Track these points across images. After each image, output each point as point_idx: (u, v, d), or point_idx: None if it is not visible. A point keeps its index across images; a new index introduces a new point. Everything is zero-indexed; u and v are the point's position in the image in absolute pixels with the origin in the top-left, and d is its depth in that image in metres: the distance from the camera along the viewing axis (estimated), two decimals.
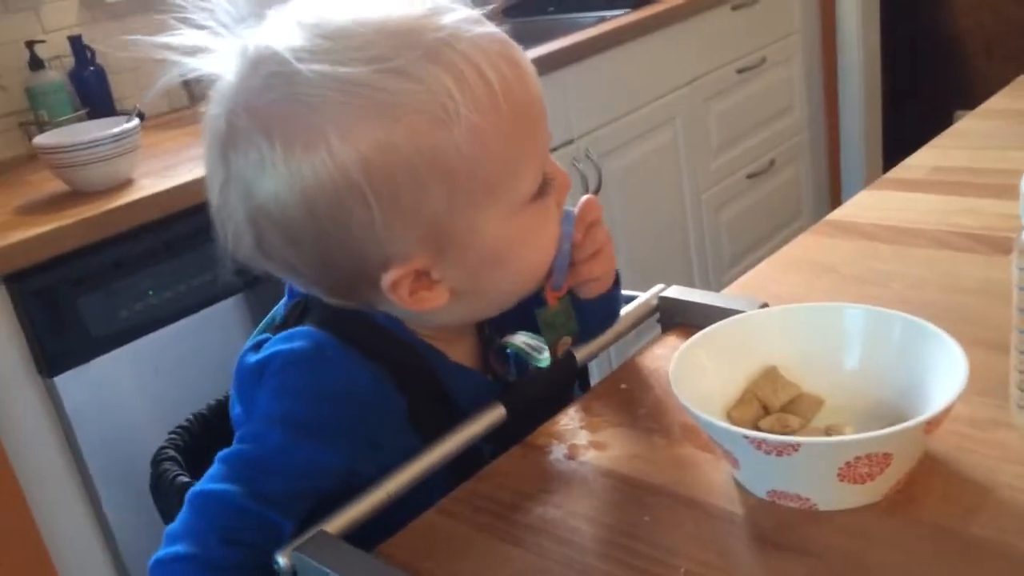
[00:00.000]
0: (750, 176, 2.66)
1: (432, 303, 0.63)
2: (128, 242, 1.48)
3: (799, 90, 2.84)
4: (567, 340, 0.70)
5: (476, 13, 0.61)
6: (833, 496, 0.55)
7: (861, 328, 0.64)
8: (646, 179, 2.33)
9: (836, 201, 3.03)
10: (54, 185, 1.57)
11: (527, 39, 2.38)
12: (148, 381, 1.54)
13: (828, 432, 0.60)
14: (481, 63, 0.57)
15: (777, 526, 0.55)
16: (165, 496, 0.68)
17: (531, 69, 0.62)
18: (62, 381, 1.44)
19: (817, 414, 0.63)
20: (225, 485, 0.60)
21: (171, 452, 0.72)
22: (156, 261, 1.52)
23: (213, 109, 0.59)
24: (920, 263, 0.85)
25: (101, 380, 1.48)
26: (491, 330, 0.75)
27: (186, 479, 0.68)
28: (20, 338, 1.41)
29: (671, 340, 0.79)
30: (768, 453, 0.53)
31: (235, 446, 0.62)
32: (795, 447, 0.52)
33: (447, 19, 0.58)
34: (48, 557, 1.44)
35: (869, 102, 3.02)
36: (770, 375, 0.64)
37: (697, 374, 0.61)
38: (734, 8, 2.49)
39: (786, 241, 0.98)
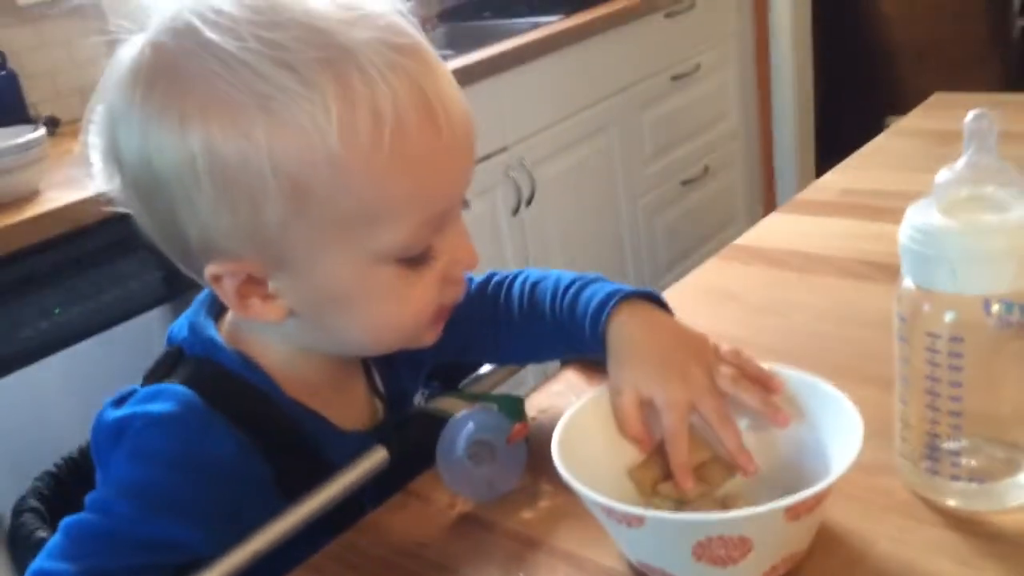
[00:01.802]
0: (684, 182, 2.66)
1: (264, 316, 0.59)
2: (32, 258, 1.41)
3: (733, 97, 2.85)
4: (520, 427, 0.64)
5: (418, 42, 0.56)
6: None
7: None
8: (581, 186, 2.32)
9: (770, 206, 3.05)
10: None
11: (462, 44, 2.36)
12: (55, 403, 1.48)
13: (723, 504, 0.57)
14: (380, 94, 0.52)
15: None
16: (22, 552, 0.63)
17: (451, 123, 0.55)
18: None
19: (730, 480, 0.59)
20: (62, 564, 0.55)
21: (33, 503, 0.67)
22: (63, 277, 1.45)
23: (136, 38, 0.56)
24: (823, 293, 0.84)
25: (3, 403, 1.41)
26: (387, 382, 0.72)
27: (45, 534, 0.63)
28: None
29: (569, 376, 0.76)
30: (619, 523, 0.50)
31: (81, 515, 0.58)
32: (640, 519, 0.49)
33: (373, 33, 0.53)
34: None
35: (802, 108, 3.05)
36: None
37: (597, 428, 0.59)
38: (668, 15, 2.48)
39: (721, 245, 0.97)
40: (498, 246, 2.10)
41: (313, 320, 0.61)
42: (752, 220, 2.99)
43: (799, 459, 0.57)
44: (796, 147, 3.07)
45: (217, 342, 0.64)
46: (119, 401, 0.62)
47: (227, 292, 0.59)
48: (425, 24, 2.56)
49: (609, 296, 0.67)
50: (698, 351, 0.62)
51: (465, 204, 0.62)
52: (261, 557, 0.58)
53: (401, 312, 0.60)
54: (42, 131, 1.50)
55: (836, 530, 0.55)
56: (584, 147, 2.31)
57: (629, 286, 0.68)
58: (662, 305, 0.68)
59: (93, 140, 0.58)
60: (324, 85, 0.52)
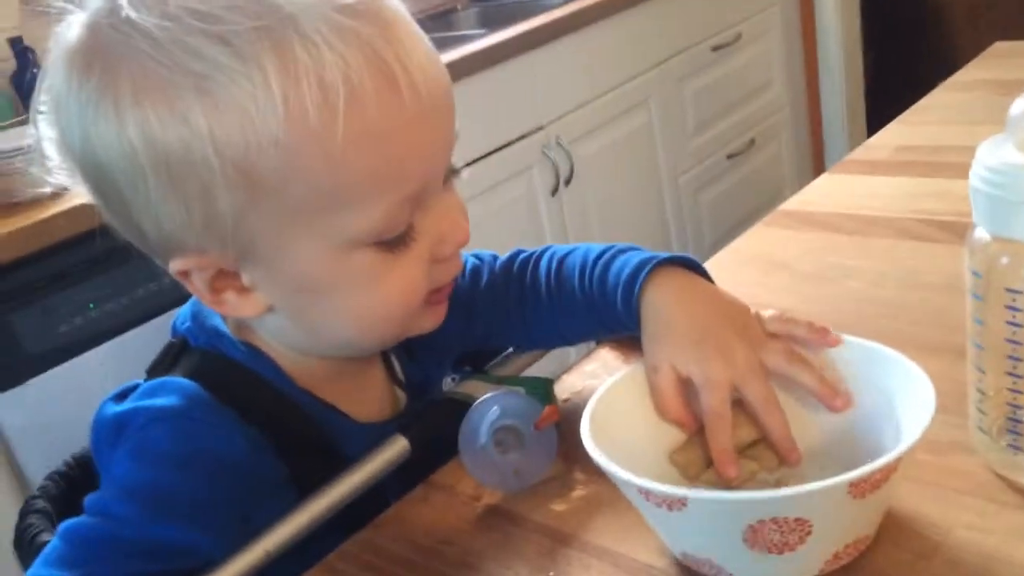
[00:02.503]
0: (730, 156, 2.57)
1: (241, 311, 0.55)
2: (64, 254, 1.40)
3: (777, 66, 2.75)
4: (550, 411, 0.58)
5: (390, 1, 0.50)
6: (749, 566, 0.45)
7: (818, 355, 0.54)
8: (621, 164, 2.25)
9: None
10: None
11: (494, 22, 2.31)
12: (93, 398, 1.46)
13: (777, 485, 0.51)
14: (328, 64, 0.46)
15: None
16: (27, 555, 0.60)
17: (417, 89, 0.49)
18: None
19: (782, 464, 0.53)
20: (60, 573, 0.51)
21: (40, 503, 0.64)
22: (97, 272, 1.44)
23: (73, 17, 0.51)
24: (881, 256, 0.77)
25: (41, 399, 1.40)
26: (409, 372, 0.67)
27: (48, 536, 0.60)
28: None
29: (603, 354, 0.71)
30: (659, 506, 0.44)
31: (80, 518, 0.54)
32: (682, 501, 0.43)
33: None
34: None
35: (850, 76, 2.93)
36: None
37: (632, 409, 0.53)
38: None
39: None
40: (536, 227, 2.05)
41: (294, 315, 0.56)
42: None
43: (861, 434, 0.51)
44: (846, 116, 2.95)
45: (222, 332, 0.59)
46: (120, 396, 0.58)
47: (198, 288, 0.54)
48: (456, 5, 2.51)
49: (642, 264, 0.61)
50: (742, 324, 0.56)
51: (453, 173, 0.56)
52: (275, 558, 0.54)
53: (385, 300, 0.54)
54: None
55: (906, 517, 0.49)
56: (623, 123, 2.25)
57: (664, 253, 0.62)
58: (701, 272, 0.62)
59: (45, 131, 0.53)
60: (263, 58, 0.46)
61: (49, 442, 1.40)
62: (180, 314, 0.63)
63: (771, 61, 2.73)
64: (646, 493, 0.44)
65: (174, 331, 0.62)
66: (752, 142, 2.65)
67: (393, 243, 0.52)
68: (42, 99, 0.52)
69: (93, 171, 0.51)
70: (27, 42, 1.85)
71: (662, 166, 2.38)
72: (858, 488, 0.42)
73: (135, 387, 0.58)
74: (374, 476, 0.58)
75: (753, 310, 0.57)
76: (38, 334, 1.39)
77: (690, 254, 0.63)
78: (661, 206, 2.40)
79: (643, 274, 0.60)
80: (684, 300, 0.58)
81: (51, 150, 0.53)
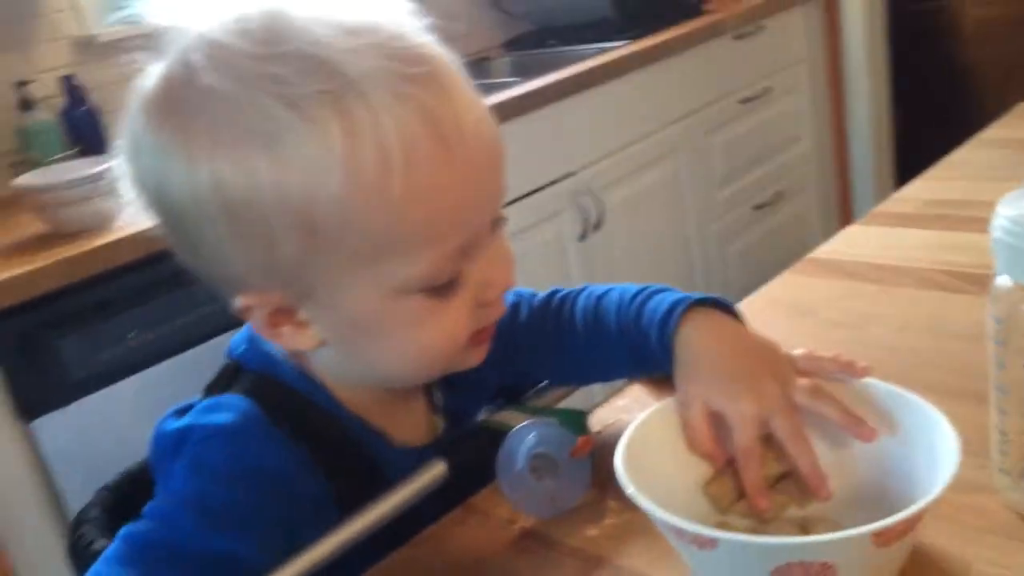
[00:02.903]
0: (757, 208, 2.60)
1: (297, 344, 0.58)
2: (110, 282, 1.45)
3: (806, 120, 2.79)
4: (584, 441, 0.61)
5: (430, 65, 0.53)
6: None
7: (849, 399, 0.56)
8: (649, 212, 2.29)
9: None
10: (38, 226, 1.55)
11: (528, 72, 2.36)
12: (130, 424, 1.50)
13: (803, 525, 0.53)
14: (386, 127, 0.50)
15: None
16: (81, 563, 0.63)
17: (468, 148, 0.52)
18: (40, 425, 1.40)
19: (811, 499, 0.55)
20: (119, 571, 0.54)
21: (94, 513, 0.67)
22: (139, 302, 1.48)
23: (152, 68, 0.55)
24: (905, 304, 0.79)
25: (81, 423, 1.44)
26: (448, 401, 0.70)
27: (102, 544, 0.63)
28: None
29: (635, 391, 0.73)
30: (690, 544, 0.47)
31: (140, 523, 0.57)
32: (713, 542, 0.45)
33: (379, 61, 0.50)
34: None
35: (878, 131, 2.96)
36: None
37: (664, 442, 0.55)
38: (736, 37, 2.45)
39: None
40: (564, 272, 2.08)
41: (345, 350, 0.60)
42: None
43: (886, 478, 0.53)
44: (873, 171, 2.98)
45: (275, 357, 0.63)
46: (180, 412, 0.61)
47: (258, 322, 0.58)
48: (489, 54, 2.58)
49: (676, 303, 0.64)
50: (772, 362, 0.59)
51: (500, 220, 0.59)
52: (318, 570, 0.56)
53: (431, 342, 0.58)
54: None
55: (927, 553, 0.51)
56: (652, 172, 2.28)
57: (698, 293, 0.65)
58: (733, 313, 0.65)
59: (123, 169, 0.58)
60: (328, 122, 0.50)
61: (86, 464, 1.43)
62: (236, 338, 0.66)
63: (799, 115, 2.76)
64: (678, 531, 0.46)
65: (230, 354, 0.66)
66: (779, 194, 2.67)
67: (441, 289, 0.56)
68: (120, 141, 0.57)
69: (165, 211, 0.56)
70: (77, 80, 1.92)
71: (690, 215, 2.41)
72: (883, 537, 0.44)
73: (191, 405, 0.61)
74: (413, 498, 0.61)
75: (784, 349, 0.60)
76: (81, 360, 1.43)
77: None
78: (688, 255, 2.42)
79: (677, 312, 0.62)
80: (716, 338, 0.61)
81: (126, 187, 0.58)
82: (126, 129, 0.56)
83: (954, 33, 3.21)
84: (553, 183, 2.03)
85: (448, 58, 0.55)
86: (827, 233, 3.09)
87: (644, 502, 0.48)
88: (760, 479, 0.54)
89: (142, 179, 0.56)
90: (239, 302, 0.57)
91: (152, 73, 0.55)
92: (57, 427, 1.41)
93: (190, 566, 0.55)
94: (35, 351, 1.39)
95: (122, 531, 0.56)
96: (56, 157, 1.82)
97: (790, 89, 2.70)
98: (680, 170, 2.36)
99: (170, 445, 0.59)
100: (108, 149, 1.85)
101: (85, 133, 1.93)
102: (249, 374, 0.63)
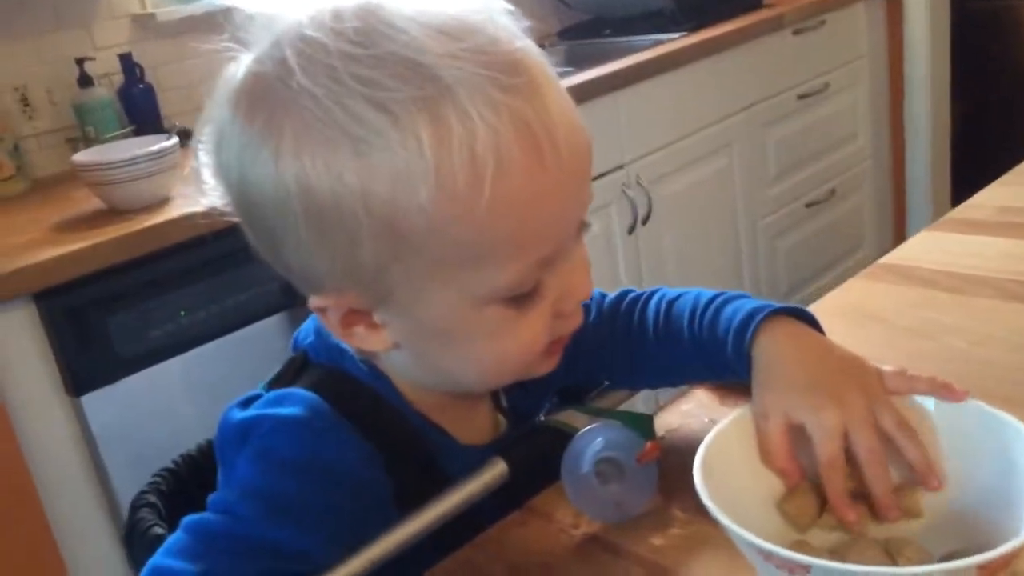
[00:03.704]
0: (809, 205, 2.55)
1: (370, 345, 0.57)
2: (161, 261, 1.46)
3: (863, 118, 2.73)
4: (652, 446, 0.59)
5: (527, 73, 0.50)
6: None
7: (937, 418, 0.54)
8: (699, 206, 2.25)
9: (900, 234, 2.90)
10: (94, 203, 1.56)
11: (582, 62, 2.35)
12: (177, 403, 1.51)
13: (887, 547, 0.51)
14: (480, 137, 0.48)
15: None
16: (138, 547, 0.63)
17: (560, 159, 0.50)
18: (89, 400, 1.42)
19: (907, 518, 0.53)
20: (182, 563, 0.53)
21: (151, 498, 0.67)
22: (189, 281, 1.49)
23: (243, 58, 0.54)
24: (983, 316, 0.76)
25: (128, 401, 1.45)
26: (512, 401, 0.69)
27: (162, 530, 0.63)
28: (48, 356, 1.39)
29: (700, 395, 0.72)
30: (780, 569, 0.45)
31: (204, 514, 0.56)
32: (806, 569, 0.43)
33: (476, 68, 0.48)
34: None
35: (937, 133, 2.89)
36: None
37: (738, 454, 0.54)
38: (795, 32, 2.40)
39: (847, 274, 0.90)
40: (612, 265, 2.06)
41: (418, 355, 0.58)
42: (880, 247, 2.86)
43: (976, 503, 0.51)
44: (930, 173, 2.91)
45: (345, 349, 0.62)
46: (245, 403, 0.61)
47: (331, 322, 0.57)
48: (544, 42, 2.56)
49: (755, 312, 0.61)
50: (858, 375, 0.56)
51: (584, 227, 0.57)
52: (378, 567, 0.55)
53: (507, 350, 0.56)
54: (175, 140, 1.54)
55: None
56: (704, 166, 2.25)
57: (777, 302, 0.63)
58: (814, 324, 0.63)
59: (204, 158, 0.57)
60: (420, 128, 0.48)
61: (131, 441, 1.45)
62: (303, 329, 0.66)
63: (857, 112, 2.71)
64: (766, 555, 0.45)
65: (295, 346, 0.65)
66: (833, 192, 2.62)
67: (521, 299, 0.54)
68: (205, 129, 0.55)
69: (246, 205, 0.54)
70: (136, 59, 1.94)
71: (740, 211, 2.37)
72: (987, 570, 0.42)
73: (257, 396, 0.61)
74: (473, 496, 0.60)
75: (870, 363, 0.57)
76: (131, 337, 1.45)
77: (764, 297, 0.64)
78: (737, 251, 2.39)
79: (756, 321, 0.60)
80: (797, 348, 0.59)
81: (207, 174, 0.57)
82: (211, 118, 0.55)
83: (1018, 32, 3.12)
84: (603, 175, 2.01)
85: (543, 63, 0.53)
86: (880, 234, 3.04)
87: (730, 524, 0.46)
88: (845, 492, 0.52)
89: (225, 171, 0.55)
90: (315, 303, 0.56)
91: (242, 64, 0.53)
92: (105, 403, 1.43)
93: (254, 557, 0.54)
94: (86, 327, 1.40)
95: (185, 521, 0.56)
96: (112, 134, 1.84)
97: (848, 86, 2.64)
98: (733, 165, 2.32)
99: (236, 436, 0.58)
100: (163, 128, 1.87)
101: (141, 111, 1.94)
102: (317, 368, 0.62)
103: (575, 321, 0.58)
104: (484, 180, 0.49)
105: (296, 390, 0.59)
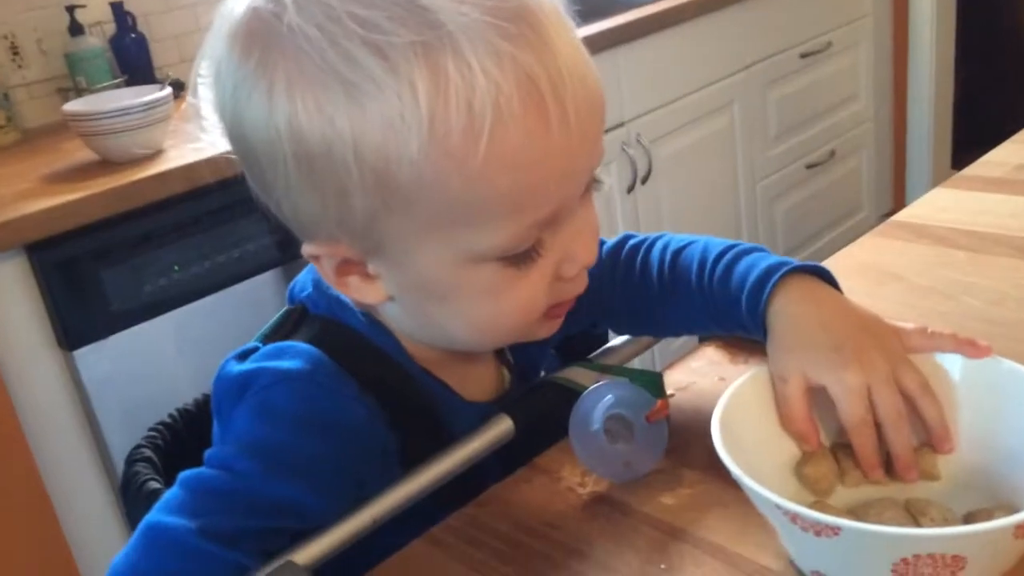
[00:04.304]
0: (809, 166, 2.53)
1: (364, 296, 0.56)
2: (155, 215, 1.43)
3: (865, 78, 2.69)
4: (662, 404, 0.57)
5: (537, 22, 0.47)
6: None
7: (959, 375, 0.53)
8: (699, 166, 2.23)
9: (899, 197, 2.88)
10: (85, 154, 1.53)
11: (583, 15, 2.29)
12: (170, 359, 1.50)
13: (907, 507, 0.50)
14: (478, 87, 0.45)
15: None
16: (134, 501, 0.61)
17: (567, 118, 0.47)
18: (82, 355, 1.40)
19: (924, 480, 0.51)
20: (179, 520, 0.52)
21: (147, 452, 0.65)
22: (183, 235, 1.47)
23: None
24: (1001, 275, 0.75)
25: (121, 355, 1.44)
26: (516, 355, 0.67)
27: (158, 484, 0.61)
28: (41, 310, 1.37)
29: (709, 352, 0.70)
30: (805, 531, 0.43)
31: (201, 469, 0.54)
32: (835, 530, 0.42)
33: (481, 13, 0.46)
34: (61, 531, 1.41)
35: (940, 95, 2.86)
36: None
37: (753, 415, 0.52)
38: None
39: (845, 236, 0.88)
40: (610, 223, 2.04)
41: (411, 310, 0.56)
42: (879, 210, 2.84)
43: (998, 461, 0.49)
44: (931, 135, 2.88)
45: (344, 301, 0.60)
46: (243, 356, 0.59)
47: (325, 271, 0.55)
48: None
49: (771, 270, 0.59)
50: (880, 335, 0.54)
51: (596, 185, 0.55)
52: (380, 524, 0.54)
53: (503, 311, 0.54)
54: (168, 91, 1.51)
55: None
56: (705, 125, 2.22)
57: (794, 259, 0.61)
58: (831, 282, 0.60)
59: (203, 92, 0.54)
60: (416, 75, 0.46)
61: (124, 396, 1.44)
62: (298, 281, 0.63)
63: (859, 72, 2.67)
64: (792, 516, 0.43)
65: (291, 298, 0.63)
66: (833, 153, 2.60)
67: (519, 258, 0.52)
68: (203, 64, 0.53)
69: (240, 144, 0.52)
70: (127, 7, 1.89)
71: (740, 171, 2.34)
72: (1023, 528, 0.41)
73: (255, 348, 0.59)
74: (478, 453, 0.58)
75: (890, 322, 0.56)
76: (124, 292, 1.42)
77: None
78: (736, 211, 2.37)
79: (774, 279, 0.58)
80: (817, 308, 0.57)
81: (207, 110, 0.54)
82: (208, 51, 0.52)
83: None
84: (603, 132, 1.98)
85: (557, 11, 0.50)
86: (879, 197, 3.01)
87: (753, 486, 0.45)
88: (876, 451, 0.51)
89: (221, 106, 0.52)
90: (308, 250, 0.54)
91: (241, 1, 0.51)
92: (98, 358, 1.41)
93: (253, 513, 0.53)
94: (79, 281, 1.38)
95: (181, 476, 0.54)
96: (103, 84, 1.80)
97: (852, 45, 2.60)
98: (733, 124, 2.29)
99: (234, 389, 0.56)
100: (155, 78, 1.83)
101: (133, 61, 1.90)
102: (316, 319, 0.60)
103: (578, 286, 0.56)
104: (480, 136, 0.46)
105: (295, 343, 0.57)
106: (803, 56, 2.43)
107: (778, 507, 0.43)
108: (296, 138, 0.48)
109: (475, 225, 0.50)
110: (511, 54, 0.46)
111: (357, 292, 0.56)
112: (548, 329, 0.58)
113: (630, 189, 2.06)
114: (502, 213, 0.49)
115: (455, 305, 0.54)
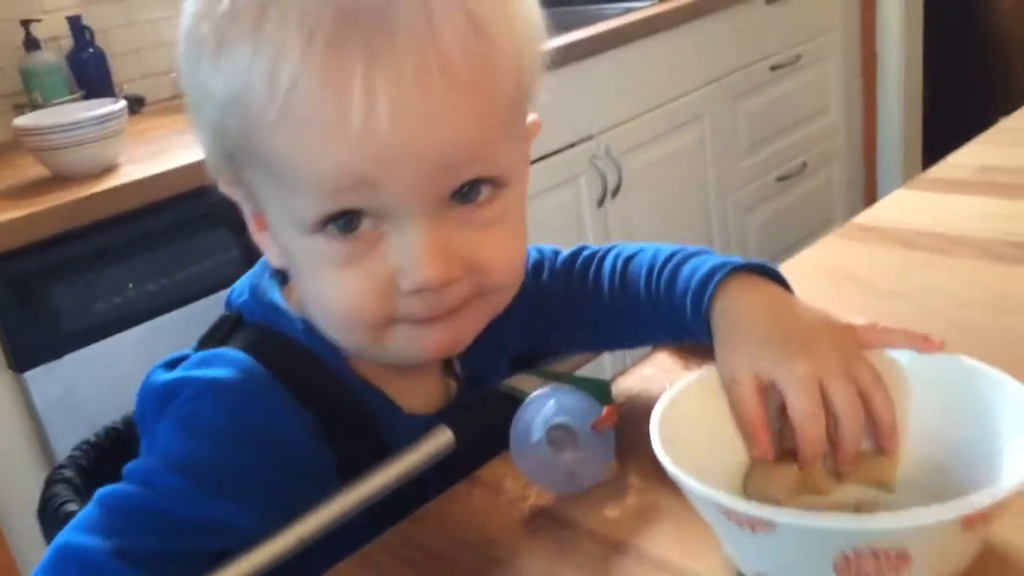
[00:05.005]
0: (780, 179, 2.52)
1: (271, 257, 0.56)
2: (108, 231, 1.39)
3: (835, 90, 2.70)
4: (609, 412, 0.54)
5: (417, 9, 0.45)
6: None
7: (910, 371, 0.50)
8: (669, 179, 2.22)
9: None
10: (37, 170, 1.50)
11: (551, 30, 2.28)
12: (126, 379, 1.44)
13: (857, 508, 0.47)
14: (289, 48, 0.45)
15: None
16: (50, 524, 0.57)
17: (376, 119, 0.44)
18: (33, 376, 1.36)
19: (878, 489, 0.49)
20: (93, 539, 0.48)
21: (68, 473, 0.61)
22: (137, 252, 1.43)
23: None
24: (965, 277, 0.72)
25: (74, 377, 1.39)
26: (465, 365, 0.64)
27: (75, 507, 0.57)
28: None
29: (661, 359, 0.67)
30: (741, 527, 0.40)
31: (120, 486, 0.51)
32: (771, 524, 0.39)
33: None
34: (11, 558, 1.36)
35: (909, 106, 2.87)
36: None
37: (698, 419, 0.49)
38: (768, 2, 2.36)
39: None
40: (580, 237, 2.02)
41: (294, 282, 0.56)
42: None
43: (956, 460, 0.47)
44: (901, 146, 2.89)
45: (281, 308, 0.57)
46: (170, 365, 0.56)
47: (247, 217, 0.56)
48: None
49: (714, 270, 0.56)
50: (830, 330, 0.52)
51: (460, 198, 0.50)
52: (308, 545, 0.50)
53: (337, 295, 0.51)
54: (122, 104, 1.48)
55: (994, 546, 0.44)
56: (675, 138, 2.21)
57: (738, 258, 0.58)
58: (779, 281, 0.58)
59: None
60: (246, 29, 0.46)
61: (78, 418, 1.39)
62: (236, 287, 0.61)
63: (829, 85, 2.68)
64: (728, 512, 0.40)
65: (228, 304, 0.60)
66: (804, 166, 2.59)
67: (344, 235, 0.49)
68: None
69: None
70: (85, 21, 1.86)
71: (711, 184, 2.33)
72: (971, 520, 0.38)
73: (185, 357, 0.55)
74: (416, 468, 0.55)
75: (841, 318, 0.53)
76: (76, 310, 1.39)
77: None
78: (708, 224, 2.35)
79: (716, 279, 0.56)
80: (761, 306, 0.54)
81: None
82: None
83: (991, 8, 3.11)
84: (572, 146, 1.97)
85: (438, 8, 0.46)
86: (850, 209, 3.03)
87: (686, 479, 0.42)
88: (821, 446, 0.48)
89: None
90: (220, 185, 0.55)
91: None
92: (50, 379, 1.37)
93: (174, 534, 0.49)
94: (30, 299, 1.34)
95: (98, 493, 0.51)
96: (60, 100, 1.76)
97: (821, 58, 2.61)
98: (704, 137, 2.29)
99: (158, 400, 0.53)
100: (114, 94, 1.79)
101: (91, 77, 1.87)
102: (251, 326, 0.57)
103: (421, 305, 0.51)
104: (276, 96, 0.45)
105: (226, 350, 0.54)
106: (773, 69, 2.43)
107: (713, 503, 0.40)
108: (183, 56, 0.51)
109: (296, 191, 0.48)
110: (330, 34, 0.44)
111: (267, 251, 0.56)
112: (412, 347, 0.53)
113: (600, 202, 2.04)
114: (302, 170, 0.47)
115: (304, 281, 0.53)
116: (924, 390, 0.50)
